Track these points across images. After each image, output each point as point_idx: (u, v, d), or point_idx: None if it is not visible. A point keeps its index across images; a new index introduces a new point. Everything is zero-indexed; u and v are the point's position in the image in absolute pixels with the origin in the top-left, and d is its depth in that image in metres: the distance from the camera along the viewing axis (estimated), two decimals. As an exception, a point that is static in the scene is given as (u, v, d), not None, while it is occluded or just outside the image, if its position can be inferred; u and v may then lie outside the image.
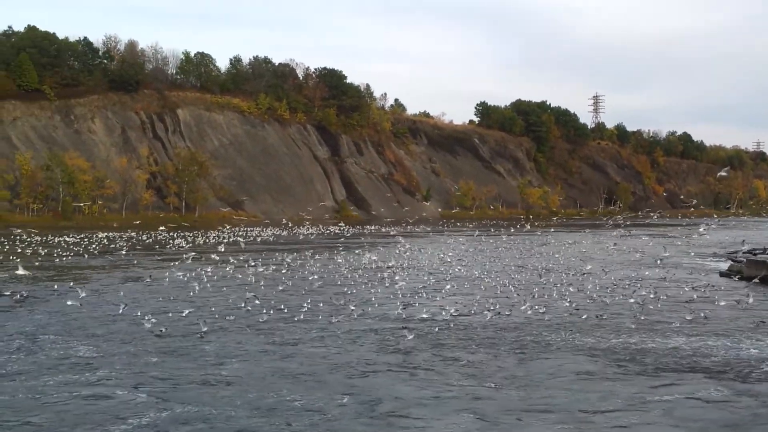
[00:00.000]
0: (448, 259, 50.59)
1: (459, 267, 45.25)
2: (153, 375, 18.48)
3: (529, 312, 27.91)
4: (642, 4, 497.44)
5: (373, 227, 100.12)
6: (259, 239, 70.62)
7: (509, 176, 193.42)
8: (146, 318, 24.74)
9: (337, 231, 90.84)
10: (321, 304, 29.10)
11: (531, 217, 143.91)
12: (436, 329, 24.58)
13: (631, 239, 74.97)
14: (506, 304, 29.49)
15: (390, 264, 46.55)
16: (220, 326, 24.70)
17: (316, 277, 39.02)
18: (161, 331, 23.58)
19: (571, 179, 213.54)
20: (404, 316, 27.31)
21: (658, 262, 47.41)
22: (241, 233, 77.04)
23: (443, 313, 27.63)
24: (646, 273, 42.92)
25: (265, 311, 27.21)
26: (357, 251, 54.78)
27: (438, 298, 31.92)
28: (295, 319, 26.15)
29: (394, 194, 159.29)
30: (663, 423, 15.60)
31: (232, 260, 43.43)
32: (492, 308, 28.25)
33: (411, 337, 23.30)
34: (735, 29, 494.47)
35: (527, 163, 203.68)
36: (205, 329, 23.66)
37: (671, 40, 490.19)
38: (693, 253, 58.73)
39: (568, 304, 29.88)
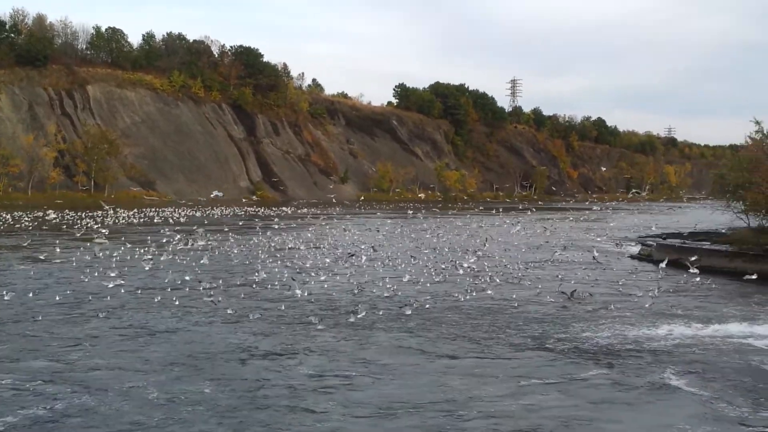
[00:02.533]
0: (356, 240, 50.65)
1: (364, 247, 45.33)
2: (34, 365, 17.81)
3: (414, 293, 28.31)
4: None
5: (289, 208, 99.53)
6: (171, 220, 69.28)
7: (427, 159, 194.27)
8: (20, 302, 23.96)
9: (251, 212, 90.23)
10: (210, 285, 28.82)
11: (455, 202, 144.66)
12: (326, 310, 24.62)
13: (546, 222, 76.19)
14: (395, 285, 29.76)
15: (296, 245, 46.38)
16: (101, 310, 24.03)
17: (212, 257, 38.77)
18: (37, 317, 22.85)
19: (488, 162, 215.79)
20: (296, 295, 27.29)
21: (566, 246, 48.36)
22: (152, 213, 75.86)
23: (332, 293, 27.81)
24: (556, 255, 43.57)
25: (138, 291, 26.86)
26: (267, 232, 54.34)
27: (337, 278, 32.04)
28: (175, 302, 25.67)
29: (311, 175, 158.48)
30: (556, 402, 15.90)
31: (143, 240, 42.78)
32: (376, 289, 28.83)
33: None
34: (649, 18, 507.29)
35: (445, 146, 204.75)
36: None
37: (589, 27, 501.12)
38: (605, 237, 60.00)
39: (453, 285, 30.40)
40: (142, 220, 68.81)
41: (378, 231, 58.41)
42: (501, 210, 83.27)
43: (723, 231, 51.52)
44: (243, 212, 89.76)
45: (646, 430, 14.80)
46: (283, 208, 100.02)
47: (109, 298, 25.34)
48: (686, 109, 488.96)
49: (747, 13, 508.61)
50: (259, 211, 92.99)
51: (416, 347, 20.35)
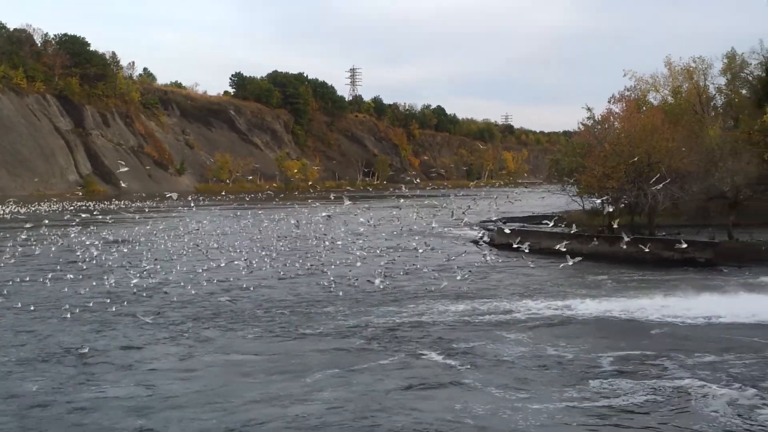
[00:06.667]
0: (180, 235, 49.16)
1: (188, 242, 43.93)
2: None
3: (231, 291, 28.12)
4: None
5: (122, 203, 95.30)
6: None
7: (267, 149, 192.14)
8: None
9: (81, 207, 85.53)
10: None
11: (297, 192, 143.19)
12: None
13: (386, 210, 76.25)
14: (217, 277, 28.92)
15: (119, 240, 44.46)
16: None
17: (25, 254, 36.38)
18: None
19: (330, 152, 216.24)
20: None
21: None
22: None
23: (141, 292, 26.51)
24: (396, 242, 43.38)
25: None
26: (94, 229, 51.67)
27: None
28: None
29: (144, 168, 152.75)
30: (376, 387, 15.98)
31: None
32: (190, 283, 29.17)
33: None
34: (488, 8, 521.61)
35: (285, 136, 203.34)
36: None
37: (428, 16, 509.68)
38: (451, 222, 60.50)
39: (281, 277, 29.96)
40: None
41: (205, 224, 56.90)
42: (345, 198, 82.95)
43: (559, 214, 53.13)
44: (72, 207, 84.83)
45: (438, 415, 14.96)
46: (116, 202, 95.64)
47: None
48: (522, 97, 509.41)
49: (579, 5, 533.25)
50: (89, 205, 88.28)
51: (200, 344, 19.44)
